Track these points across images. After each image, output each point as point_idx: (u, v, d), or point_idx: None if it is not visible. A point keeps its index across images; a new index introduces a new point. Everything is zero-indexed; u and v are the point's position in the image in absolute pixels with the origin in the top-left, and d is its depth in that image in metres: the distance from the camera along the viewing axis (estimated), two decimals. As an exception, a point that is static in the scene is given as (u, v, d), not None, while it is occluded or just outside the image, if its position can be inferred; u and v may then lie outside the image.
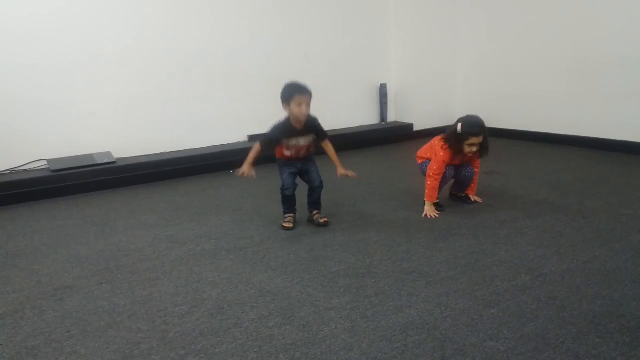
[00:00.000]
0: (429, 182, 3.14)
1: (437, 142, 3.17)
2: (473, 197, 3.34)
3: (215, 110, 4.86)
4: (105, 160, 4.22)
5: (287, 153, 2.92)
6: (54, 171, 4.01)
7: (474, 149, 3.04)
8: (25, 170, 4.07)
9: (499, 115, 5.44)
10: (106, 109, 4.36)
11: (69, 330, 1.98)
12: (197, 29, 4.67)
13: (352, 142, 5.32)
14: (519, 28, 5.21)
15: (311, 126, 2.89)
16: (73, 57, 4.16)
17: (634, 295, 2.04)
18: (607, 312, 1.92)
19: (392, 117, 5.98)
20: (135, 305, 2.16)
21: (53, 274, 2.53)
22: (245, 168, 2.83)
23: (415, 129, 5.76)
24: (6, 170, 4.02)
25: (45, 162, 4.13)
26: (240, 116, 4.98)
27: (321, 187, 3.01)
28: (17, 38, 3.93)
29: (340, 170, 2.95)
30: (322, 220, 3.00)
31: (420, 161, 3.35)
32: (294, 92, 2.74)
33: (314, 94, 2.86)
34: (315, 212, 3.05)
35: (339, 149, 4.96)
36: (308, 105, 2.77)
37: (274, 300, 2.14)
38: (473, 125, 3.02)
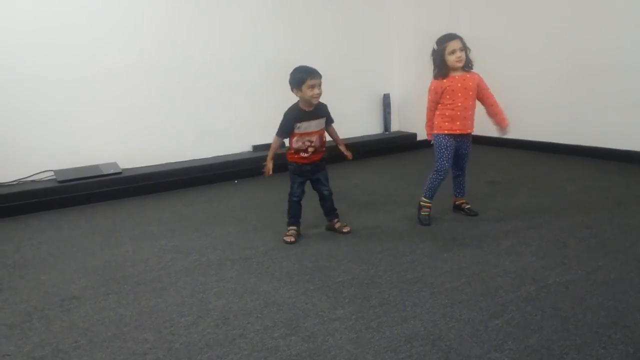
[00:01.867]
0: (427, 114, 3.22)
1: None
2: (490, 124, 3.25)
3: (220, 121, 4.91)
4: (112, 171, 4.26)
5: (299, 144, 2.88)
6: (60, 182, 4.05)
7: (458, 53, 2.99)
8: (32, 181, 4.11)
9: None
10: (112, 120, 4.41)
11: (76, 341, 2.00)
12: (201, 41, 4.72)
13: (355, 151, 5.24)
14: (521, 37, 5.24)
15: (322, 110, 2.92)
16: (79, 69, 4.21)
17: (638, 305, 2.04)
18: (611, 323, 1.92)
19: (395, 126, 6.01)
20: (141, 315, 2.18)
21: (60, 284, 2.55)
22: (270, 165, 2.87)
23: (419, 138, 5.77)
24: (13, 181, 4.06)
25: (52, 173, 4.17)
26: (244, 126, 5.02)
27: (330, 194, 3.04)
28: (24, 50, 3.99)
29: (341, 147, 3.02)
30: (345, 230, 3.03)
31: (434, 131, 3.24)
32: (306, 76, 2.77)
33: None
34: (336, 220, 3.08)
35: (342, 158, 5.01)
36: (320, 87, 2.81)
37: (279, 311, 2.15)
38: (445, 35, 3.06)
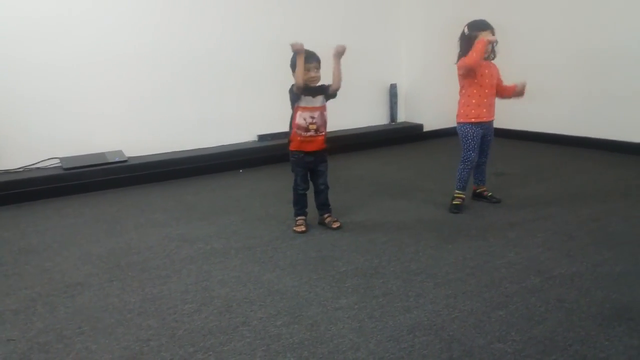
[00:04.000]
0: (472, 54, 2.94)
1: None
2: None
3: (225, 110, 4.89)
4: (117, 159, 4.26)
5: (301, 120, 2.84)
6: (66, 169, 4.06)
7: (489, 46, 2.99)
8: (38, 168, 4.12)
9: (511, 116, 5.39)
10: (118, 109, 4.41)
11: (79, 327, 2.01)
12: (207, 30, 4.70)
13: (362, 141, 5.33)
14: (529, 27, 5.17)
15: (324, 88, 2.91)
16: (86, 57, 4.20)
17: (644, 298, 2.02)
18: (615, 315, 1.91)
19: (402, 117, 5.98)
20: (145, 302, 2.19)
21: (64, 270, 2.56)
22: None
23: (425, 129, 5.75)
24: (19, 168, 4.07)
25: (58, 161, 4.18)
26: (249, 116, 5.00)
27: (327, 189, 3.02)
28: (30, 38, 3.98)
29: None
30: (334, 225, 2.98)
31: (459, 120, 3.20)
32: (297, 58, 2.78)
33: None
34: (326, 215, 3.04)
35: (349, 148, 5.01)
36: (317, 69, 2.82)
37: (282, 299, 2.15)
38: (478, 22, 3.03)
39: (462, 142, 3.20)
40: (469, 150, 3.17)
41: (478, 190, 3.39)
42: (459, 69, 3.08)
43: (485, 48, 2.95)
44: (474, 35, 2.99)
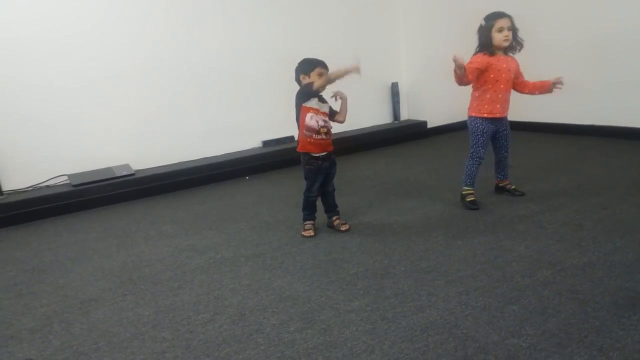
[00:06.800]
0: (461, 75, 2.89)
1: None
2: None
3: (229, 118, 4.91)
4: (124, 173, 4.29)
5: (312, 122, 2.83)
6: (74, 186, 4.10)
7: (506, 32, 2.93)
8: (47, 186, 4.16)
9: (515, 108, 5.35)
10: (123, 123, 4.44)
11: (95, 342, 2.03)
12: (207, 39, 4.72)
13: (366, 142, 5.33)
14: (533, 18, 5.13)
15: (331, 109, 2.96)
16: (88, 73, 4.24)
17: (657, 285, 2.01)
18: (630, 304, 1.89)
19: (405, 115, 5.97)
20: (159, 314, 2.20)
21: (78, 287, 2.59)
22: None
23: (429, 126, 5.74)
24: (29, 187, 4.11)
25: (66, 177, 4.22)
26: (253, 123, 5.02)
27: (334, 190, 3.03)
28: (34, 58, 4.03)
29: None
30: (343, 228, 2.99)
31: (471, 113, 3.17)
32: (316, 65, 2.85)
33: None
34: (335, 218, 3.05)
35: (353, 149, 5.01)
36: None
37: (294, 305, 2.16)
38: (495, 12, 2.99)
39: (471, 136, 3.15)
40: (478, 147, 3.13)
41: (501, 184, 3.35)
42: None
43: (459, 71, 2.88)
44: (490, 25, 2.96)
